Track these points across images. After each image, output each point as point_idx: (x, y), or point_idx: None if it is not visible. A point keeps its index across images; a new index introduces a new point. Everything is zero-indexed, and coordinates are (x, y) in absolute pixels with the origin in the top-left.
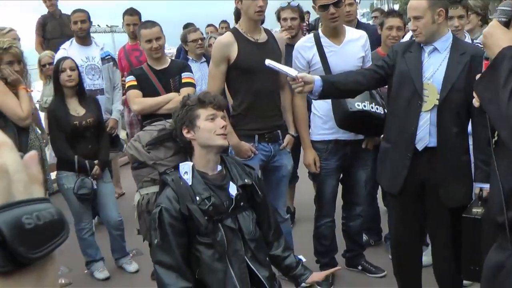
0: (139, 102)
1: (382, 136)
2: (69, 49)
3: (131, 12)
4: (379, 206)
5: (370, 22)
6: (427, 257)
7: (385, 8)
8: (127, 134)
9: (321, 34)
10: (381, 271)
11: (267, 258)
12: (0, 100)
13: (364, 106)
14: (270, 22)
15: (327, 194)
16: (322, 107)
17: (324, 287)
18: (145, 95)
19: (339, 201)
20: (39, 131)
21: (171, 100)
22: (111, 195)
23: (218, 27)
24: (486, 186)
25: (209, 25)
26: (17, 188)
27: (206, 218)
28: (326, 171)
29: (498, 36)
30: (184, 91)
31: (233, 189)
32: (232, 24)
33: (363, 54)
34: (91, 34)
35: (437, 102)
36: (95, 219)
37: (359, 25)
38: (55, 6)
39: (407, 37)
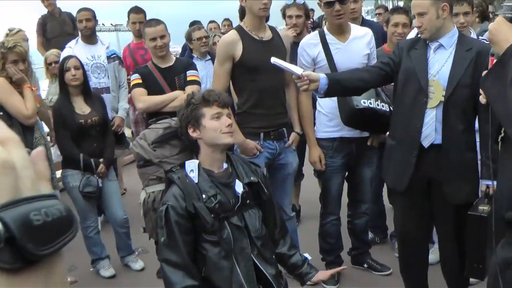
0: (144, 100)
1: (387, 133)
2: (75, 48)
3: (137, 10)
4: (385, 204)
5: (374, 19)
6: (433, 255)
7: (389, 5)
8: (132, 132)
9: (326, 31)
10: (387, 269)
11: (273, 256)
12: (5, 99)
13: (370, 103)
14: (275, 20)
15: (333, 192)
16: (327, 105)
17: (329, 285)
18: (150, 93)
19: (345, 199)
20: (47, 130)
21: (176, 98)
22: (116, 193)
23: (220, 25)
24: (493, 183)
25: (211, 22)
26: (24, 185)
27: (212, 216)
28: (331, 169)
29: (505, 32)
30: (189, 89)
31: (239, 187)
32: (234, 22)
33: (368, 52)
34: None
35: (442, 99)
36: (101, 217)
37: (364, 23)
38: (53, 5)
39: (411, 34)
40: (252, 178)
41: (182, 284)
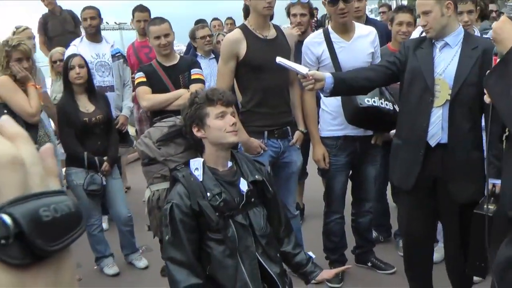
0: (149, 98)
1: (394, 132)
2: (79, 46)
3: (142, 8)
4: (389, 203)
5: (378, 18)
6: (437, 254)
7: (393, 4)
8: (136, 130)
9: (330, 30)
10: (390, 268)
11: (278, 255)
12: (9, 97)
13: (374, 102)
14: (280, 19)
15: (337, 190)
16: (331, 103)
17: (334, 283)
18: (154, 91)
19: (349, 198)
20: (53, 127)
21: (181, 96)
22: (120, 191)
23: (223, 23)
24: (499, 182)
25: (214, 19)
26: (33, 181)
27: (217, 214)
28: (335, 167)
29: (508, 31)
30: (194, 87)
31: (243, 185)
32: (238, 21)
33: (372, 50)
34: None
35: (449, 98)
36: (107, 215)
37: (368, 21)
38: (53, 4)
39: (415, 33)
40: (256, 176)
41: (186, 283)
